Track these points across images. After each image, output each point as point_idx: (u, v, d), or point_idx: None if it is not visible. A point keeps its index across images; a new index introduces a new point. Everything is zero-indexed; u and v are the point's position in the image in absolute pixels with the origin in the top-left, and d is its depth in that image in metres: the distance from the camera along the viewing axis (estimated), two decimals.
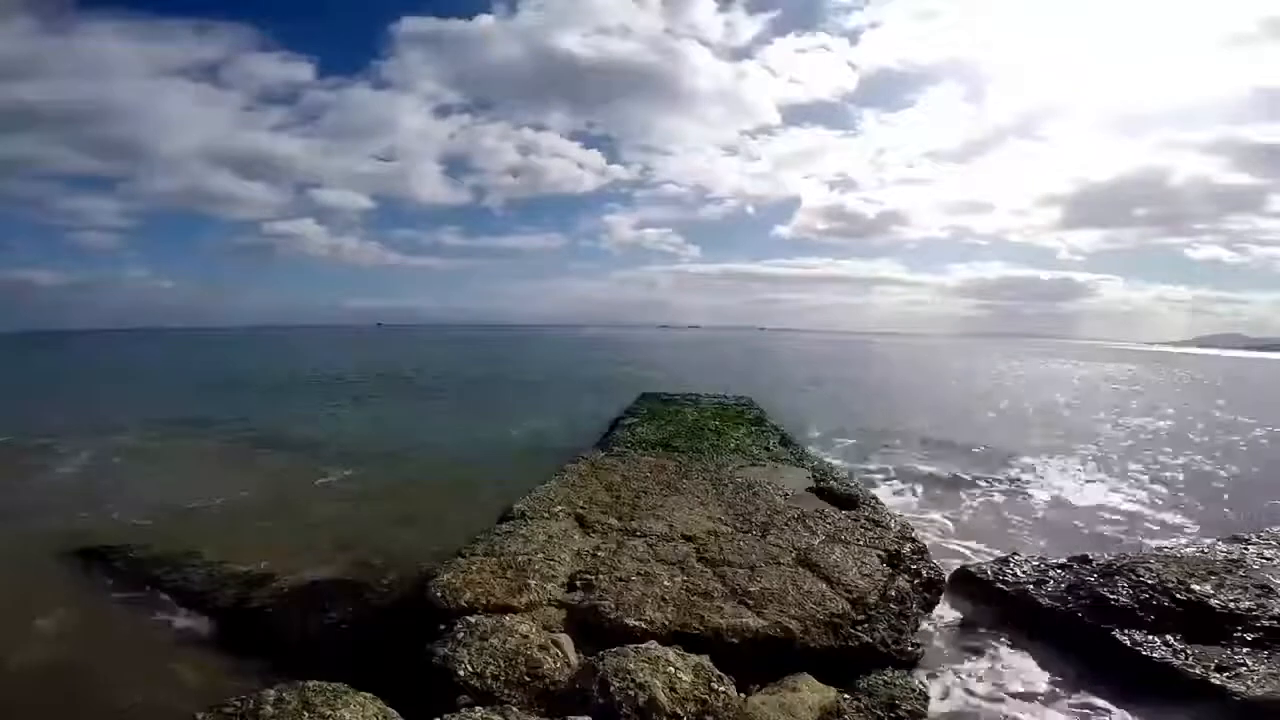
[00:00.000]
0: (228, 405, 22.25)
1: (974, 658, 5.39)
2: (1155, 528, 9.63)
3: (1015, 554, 6.96)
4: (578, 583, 5.48)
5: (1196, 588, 5.56)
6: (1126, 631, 5.14)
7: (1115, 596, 5.53)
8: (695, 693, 3.88)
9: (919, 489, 11.57)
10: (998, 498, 11.09)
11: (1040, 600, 5.82)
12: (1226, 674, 4.50)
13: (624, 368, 43.61)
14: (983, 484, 11.92)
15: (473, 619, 4.68)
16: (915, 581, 6.09)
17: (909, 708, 4.32)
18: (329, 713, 3.37)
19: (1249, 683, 4.39)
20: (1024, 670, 5.18)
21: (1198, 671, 4.57)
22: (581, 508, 7.58)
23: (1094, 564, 6.28)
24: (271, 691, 3.51)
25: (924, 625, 5.71)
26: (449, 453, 14.42)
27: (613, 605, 5.06)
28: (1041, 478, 12.72)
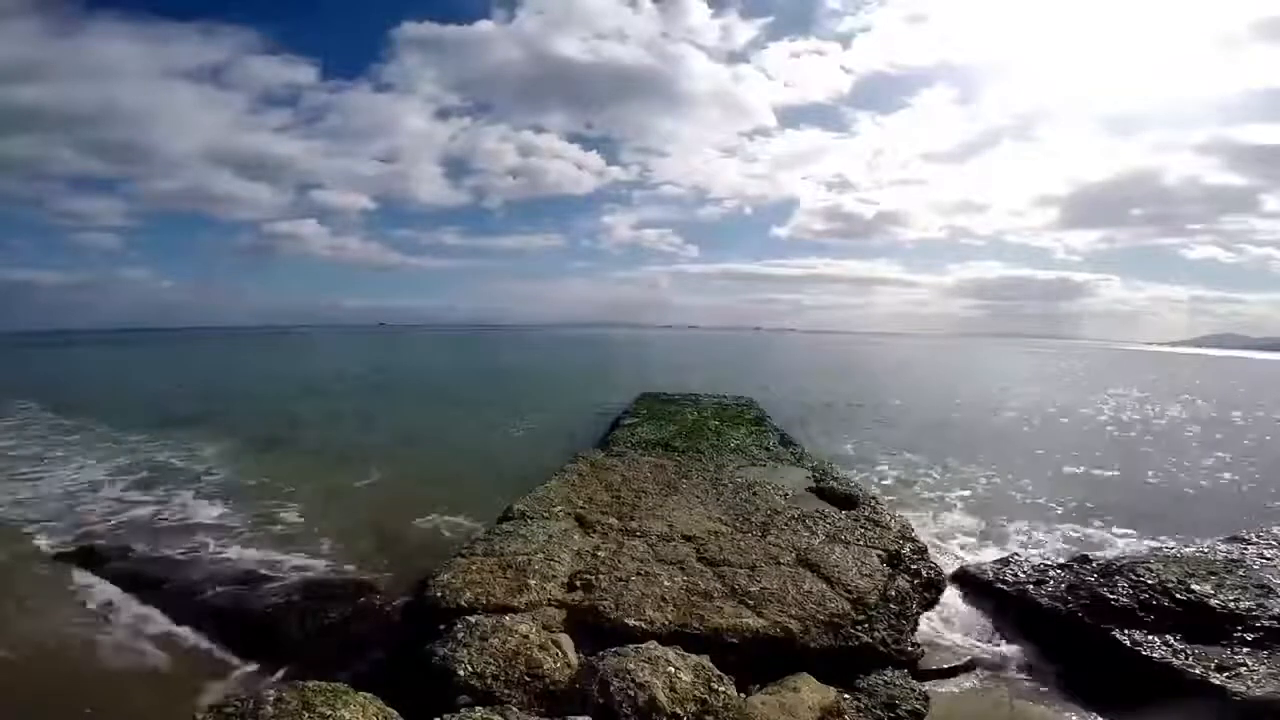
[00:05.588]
0: (228, 407, 22.25)
1: (974, 658, 5.38)
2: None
3: (1015, 554, 6.96)
4: (578, 582, 5.48)
5: (1196, 588, 5.56)
6: (1126, 631, 5.14)
7: (1115, 596, 5.53)
8: (695, 693, 3.88)
9: None
10: None
11: (1040, 600, 5.81)
12: (1226, 674, 4.50)
13: (624, 367, 43.64)
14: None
15: (473, 619, 4.68)
16: (915, 581, 6.09)
17: (909, 708, 4.32)
18: (329, 713, 3.37)
19: (1249, 683, 4.39)
20: (1024, 670, 5.18)
21: (1198, 671, 4.57)
22: (581, 508, 7.58)
23: (1094, 564, 6.28)
24: (271, 691, 3.51)
25: (924, 625, 5.71)
26: (450, 452, 14.41)
27: (613, 605, 5.06)
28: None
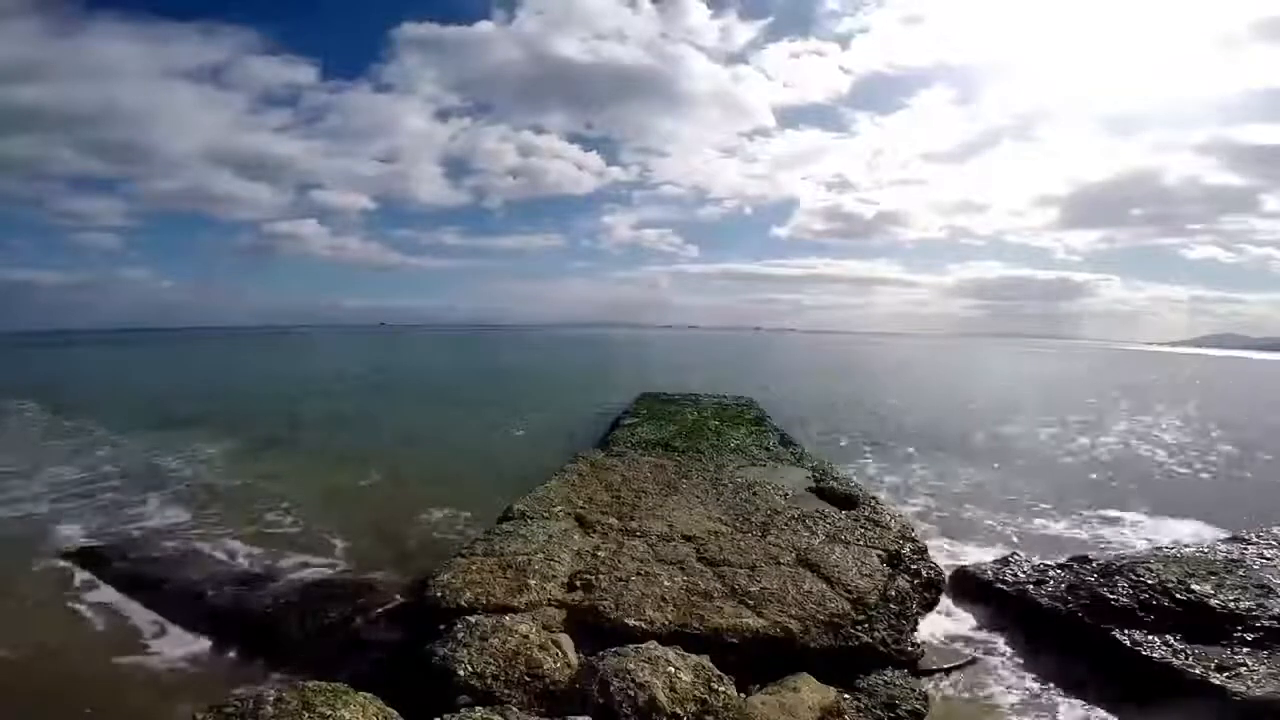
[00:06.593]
0: (228, 407, 22.25)
1: (974, 657, 5.37)
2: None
3: (1015, 554, 6.96)
4: (578, 582, 5.48)
5: (1196, 588, 5.56)
6: (1126, 631, 5.14)
7: (1115, 596, 5.52)
8: (695, 693, 3.88)
9: None
10: None
11: (1040, 600, 5.81)
12: (1226, 674, 4.50)
13: (623, 367, 43.64)
14: None
15: (473, 619, 4.68)
16: (915, 581, 6.10)
17: (909, 708, 4.32)
18: (329, 713, 3.37)
19: (1249, 683, 4.38)
20: (1024, 670, 5.18)
21: (1198, 671, 4.56)
22: (581, 508, 7.58)
23: (1094, 564, 6.28)
24: (271, 691, 3.51)
25: (924, 625, 5.71)
26: (450, 452, 14.41)
27: (613, 605, 5.06)
28: None
